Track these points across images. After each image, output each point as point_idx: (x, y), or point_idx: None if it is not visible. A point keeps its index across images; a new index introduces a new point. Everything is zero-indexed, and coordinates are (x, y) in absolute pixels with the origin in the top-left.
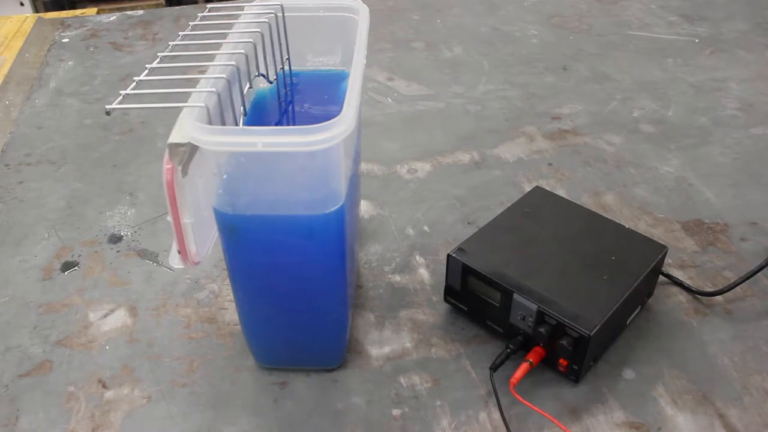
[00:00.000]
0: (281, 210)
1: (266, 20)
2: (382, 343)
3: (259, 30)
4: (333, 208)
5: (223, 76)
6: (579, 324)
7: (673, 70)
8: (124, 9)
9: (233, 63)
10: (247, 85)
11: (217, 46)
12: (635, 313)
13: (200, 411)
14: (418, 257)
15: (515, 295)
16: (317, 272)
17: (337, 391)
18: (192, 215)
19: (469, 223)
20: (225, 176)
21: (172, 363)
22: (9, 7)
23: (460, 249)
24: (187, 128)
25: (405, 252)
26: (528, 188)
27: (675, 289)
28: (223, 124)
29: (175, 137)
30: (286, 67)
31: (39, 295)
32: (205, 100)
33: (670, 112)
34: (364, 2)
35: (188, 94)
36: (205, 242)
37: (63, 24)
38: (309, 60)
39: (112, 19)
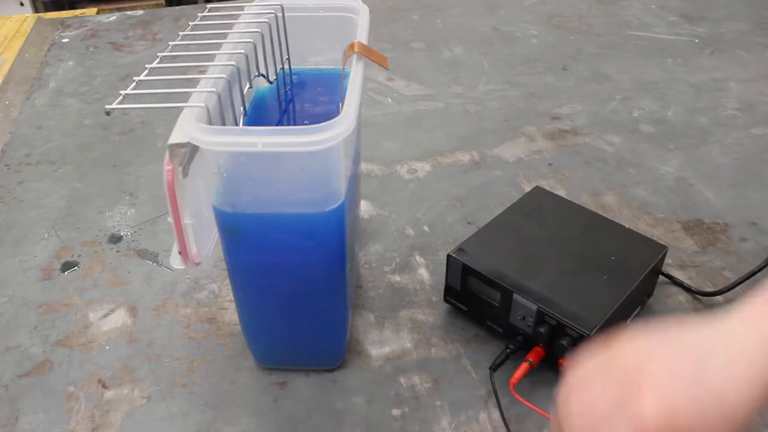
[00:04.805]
0: (281, 208)
1: (266, 20)
2: (382, 343)
3: (259, 30)
4: (332, 207)
5: (223, 76)
6: (579, 324)
7: (673, 70)
8: (124, 9)
9: (233, 63)
10: (247, 85)
11: (217, 46)
12: (635, 313)
13: (200, 411)
14: (418, 257)
15: (515, 295)
16: (317, 272)
17: (337, 391)
18: (193, 216)
19: (469, 223)
20: (225, 176)
21: (172, 363)
22: (9, 7)
23: (460, 249)
24: (187, 128)
25: (405, 252)
26: (528, 188)
27: (675, 289)
28: (223, 124)
29: (175, 138)
30: (286, 67)
31: (39, 295)
32: (205, 100)
33: (670, 112)
34: (364, 2)
35: (188, 94)
36: (206, 243)
37: (63, 24)
38: (309, 59)
39: (112, 19)
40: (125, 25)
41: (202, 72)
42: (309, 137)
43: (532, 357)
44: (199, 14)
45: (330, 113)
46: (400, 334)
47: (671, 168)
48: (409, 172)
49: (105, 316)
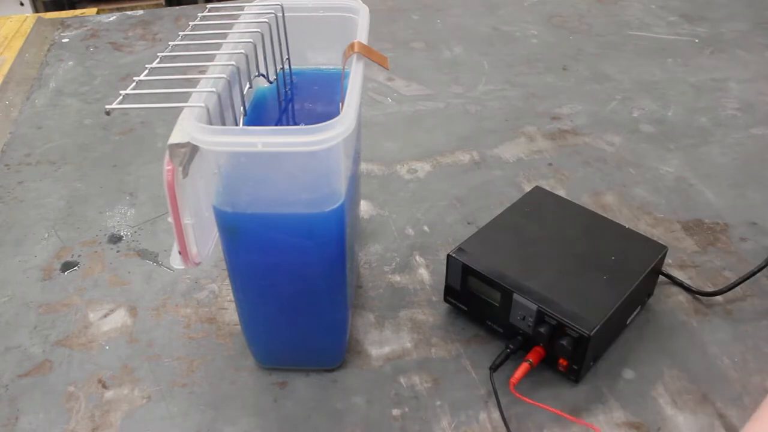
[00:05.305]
0: (281, 208)
1: (266, 20)
2: (382, 343)
3: (259, 30)
4: (333, 207)
5: (223, 76)
6: (579, 324)
7: (673, 70)
8: (124, 9)
9: (233, 63)
10: (247, 85)
11: (217, 46)
12: (635, 313)
13: (200, 411)
14: (418, 257)
15: (515, 295)
16: (317, 272)
17: (337, 391)
18: (193, 216)
19: (469, 223)
20: (225, 176)
21: (172, 363)
22: (9, 7)
23: (460, 249)
24: (187, 128)
25: (405, 252)
26: (528, 188)
27: (675, 289)
28: (223, 124)
29: (175, 138)
30: (286, 67)
31: (39, 295)
32: (205, 100)
33: (670, 112)
34: (364, 2)
35: (188, 94)
36: (206, 243)
37: (63, 24)
38: (309, 59)
39: (112, 19)
40: (125, 25)
41: (202, 72)
42: (309, 137)
43: (532, 357)
44: (199, 14)
45: (330, 113)
46: (400, 334)
47: (671, 168)
48: (409, 172)
49: (105, 316)
